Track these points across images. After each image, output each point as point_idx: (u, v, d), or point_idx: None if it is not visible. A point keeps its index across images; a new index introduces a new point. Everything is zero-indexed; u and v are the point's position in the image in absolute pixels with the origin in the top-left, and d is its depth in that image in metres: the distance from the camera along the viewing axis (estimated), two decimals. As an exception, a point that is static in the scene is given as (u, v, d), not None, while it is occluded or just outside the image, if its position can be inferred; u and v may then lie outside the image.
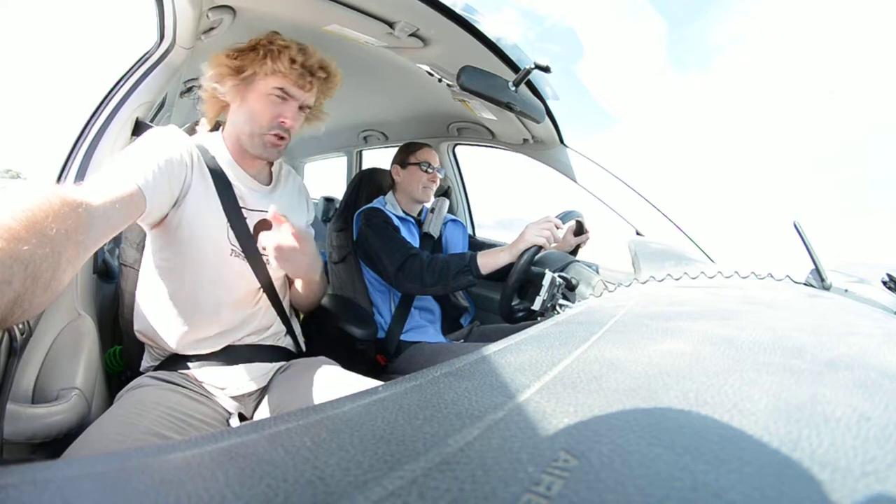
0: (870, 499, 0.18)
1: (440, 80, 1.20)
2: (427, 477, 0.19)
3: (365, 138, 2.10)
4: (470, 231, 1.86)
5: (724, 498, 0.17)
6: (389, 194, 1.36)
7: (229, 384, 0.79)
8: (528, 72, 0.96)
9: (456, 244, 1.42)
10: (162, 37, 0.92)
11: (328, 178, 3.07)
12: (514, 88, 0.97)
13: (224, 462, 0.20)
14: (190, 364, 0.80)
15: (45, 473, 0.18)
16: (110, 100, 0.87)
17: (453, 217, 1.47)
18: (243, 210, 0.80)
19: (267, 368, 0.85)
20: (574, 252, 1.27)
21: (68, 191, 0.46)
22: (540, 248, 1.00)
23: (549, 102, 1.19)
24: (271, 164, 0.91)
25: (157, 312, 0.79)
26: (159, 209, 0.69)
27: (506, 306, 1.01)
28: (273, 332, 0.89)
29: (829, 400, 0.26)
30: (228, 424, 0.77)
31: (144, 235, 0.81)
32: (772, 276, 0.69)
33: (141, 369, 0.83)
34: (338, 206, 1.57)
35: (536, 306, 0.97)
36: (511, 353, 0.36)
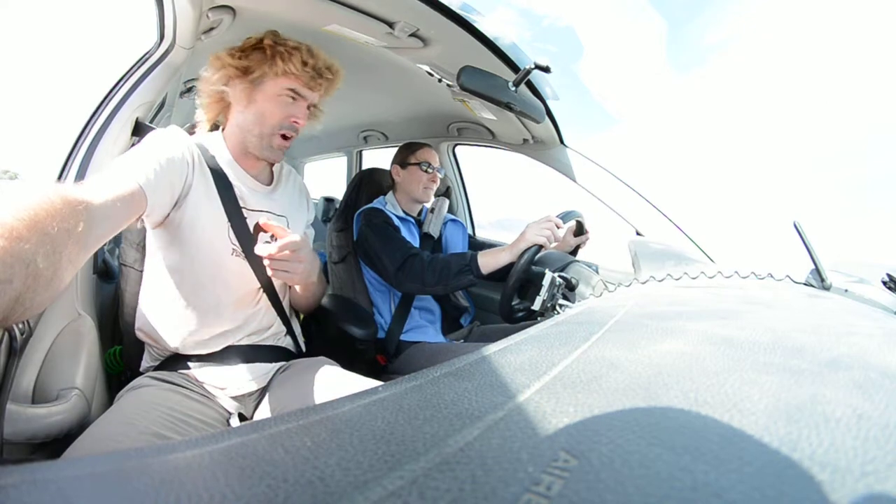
0: (870, 499, 0.18)
1: (440, 80, 1.20)
2: (427, 477, 0.19)
3: (365, 138, 2.10)
4: (470, 231, 1.86)
5: (724, 498, 0.17)
6: (389, 194, 1.36)
7: (229, 384, 0.79)
8: (528, 72, 0.96)
9: (456, 244, 1.42)
10: (162, 37, 0.92)
11: (328, 178, 3.07)
12: (513, 88, 0.97)
13: (224, 462, 0.20)
14: (190, 364, 0.80)
15: (45, 473, 0.18)
16: (110, 100, 0.87)
17: (453, 217, 1.47)
18: (244, 210, 0.80)
19: (267, 368, 0.85)
20: (574, 252, 1.28)
21: (69, 189, 0.46)
22: (540, 247, 1.00)
23: (549, 102, 1.19)
24: (272, 164, 0.91)
25: (157, 312, 0.79)
26: (160, 208, 0.69)
27: (506, 306, 1.01)
28: (273, 332, 0.89)
29: (829, 400, 0.26)
30: (228, 424, 0.77)
31: (144, 235, 0.82)
32: (772, 276, 0.69)
33: (141, 369, 0.83)
34: (338, 206, 1.57)
35: (536, 306, 0.97)
36: (511, 353, 0.36)
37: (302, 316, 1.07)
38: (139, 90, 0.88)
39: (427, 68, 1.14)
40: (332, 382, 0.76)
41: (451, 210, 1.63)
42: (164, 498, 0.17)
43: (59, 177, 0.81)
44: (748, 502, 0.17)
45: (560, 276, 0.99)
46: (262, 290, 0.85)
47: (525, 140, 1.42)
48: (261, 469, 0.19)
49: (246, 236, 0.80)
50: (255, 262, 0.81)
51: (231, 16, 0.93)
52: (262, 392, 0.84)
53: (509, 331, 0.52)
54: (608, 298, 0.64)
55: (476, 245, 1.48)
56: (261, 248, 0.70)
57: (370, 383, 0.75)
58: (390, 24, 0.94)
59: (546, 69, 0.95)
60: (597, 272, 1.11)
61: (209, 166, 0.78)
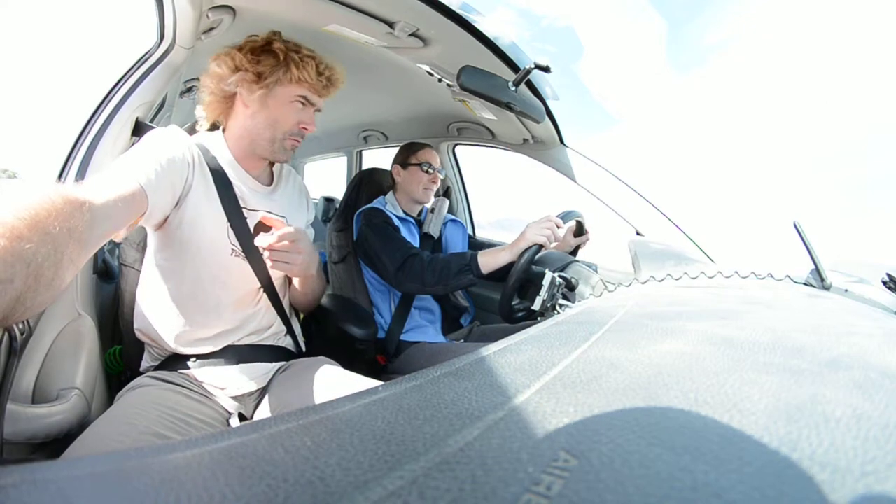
0: (870, 499, 0.18)
1: (440, 80, 1.20)
2: (427, 477, 0.19)
3: (365, 138, 2.10)
4: (470, 231, 1.86)
5: (724, 498, 0.17)
6: (390, 194, 1.36)
7: (229, 384, 0.79)
8: (528, 72, 0.96)
9: (456, 244, 1.42)
10: (162, 37, 0.92)
11: (328, 178, 3.07)
12: (513, 88, 0.97)
13: (224, 462, 0.20)
14: (190, 364, 0.80)
15: (45, 473, 0.18)
16: (110, 100, 0.87)
17: (453, 217, 1.47)
18: (244, 210, 0.80)
19: (267, 368, 0.85)
20: (574, 253, 1.28)
21: (71, 189, 0.46)
22: (540, 247, 1.00)
23: (549, 102, 1.19)
24: (272, 164, 0.91)
25: (157, 312, 0.79)
26: (161, 208, 0.69)
27: (506, 306, 1.01)
28: (273, 331, 0.89)
29: (829, 400, 0.26)
30: (228, 424, 0.77)
31: (145, 235, 0.81)
32: (772, 276, 0.69)
33: (141, 369, 0.83)
34: (338, 206, 1.57)
35: (536, 306, 0.97)
36: (511, 353, 0.36)
37: (302, 316, 1.07)
38: (139, 90, 0.88)
39: (427, 68, 1.14)
40: (332, 382, 0.76)
41: (451, 210, 1.63)
42: (164, 498, 0.17)
43: (60, 176, 0.81)
44: (748, 502, 0.17)
45: (560, 276, 0.99)
46: (262, 289, 0.85)
47: (525, 140, 1.42)
48: (261, 469, 0.19)
49: (246, 236, 0.80)
50: (255, 262, 0.81)
51: (231, 16, 0.93)
52: (262, 392, 0.84)
53: (509, 331, 0.52)
54: (608, 298, 0.64)
55: (476, 245, 1.48)
56: (260, 240, 0.71)
57: (370, 383, 0.75)
58: (390, 24, 0.94)
59: (546, 69, 0.95)
60: (596, 272, 1.11)
61: (209, 166, 0.78)
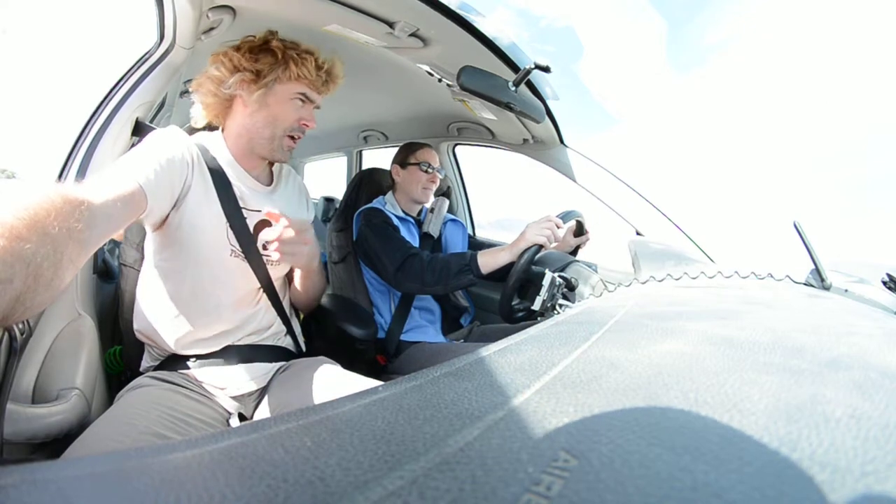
0: (870, 499, 0.18)
1: (440, 80, 1.20)
2: (427, 477, 0.19)
3: (365, 138, 2.10)
4: (470, 231, 1.86)
5: (724, 498, 0.17)
6: (389, 194, 1.36)
7: (229, 384, 0.79)
8: (528, 72, 0.96)
9: (456, 244, 1.42)
10: (162, 37, 0.92)
11: (328, 178, 3.07)
12: (513, 88, 0.97)
13: (224, 462, 0.20)
14: (190, 364, 0.80)
15: (45, 473, 0.18)
16: (110, 100, 0.87)
17: (453, 217, 1.47)
18: (243, 210, 0.80)
19: (267, 368, 0.85)
20: (574, 253, 1.28)
21: (70, 189, 0.46)
22: (540, 247, 1.00)
23: (549, 102, 1.19)
24: (272, 163, 0.91)
25: (157, 312, 0.79)
26: (160, 208, 0.69)
27: (506, 306, 1.01)
28: (273, 332, 0.89)
29: (829, 400, 0.26)
30: (228, 424, 0.77)
31: (144, 235, 0.81)
32: (772, 276, 0.69)
33: (141, 369, 0.83)
34: (338, 206, 1.57)
35: (536, 306, 0.97)
36: (511, 353, 0.36)
37: (302, 316, 1.07)
38: (139, 90, 0.88)
39: (427, 68, 1.14)
40: (332, 382, 0.76)
41: (451, 210, 1.63)
42: (164, 498, 0.17)
43: (60, 176, 0.81)
44: (748, 502, 0.17)
45: (560, 276, 0.99)
46: (261, 290, 0.85)
47: (525, 140, 1.42)
48: (261, 469, 0.19)
49: (245, 237, 0.80)
50: (255, 262, 0.81)
51: (231, 16, 0.93)
52: (262, 392, 0.84)
53: (509, 331, 0.52)
54: (608, 298, 0.64)
55: (476, 245, 1.48)
56: (268, 233, 0.72)
57: (370, 383, 0.75)
58: (390, 24, 0.94)
59: (546, 69, 0.95)
60: (596, 272, 1.11)
61: (209, 166, 0.78)
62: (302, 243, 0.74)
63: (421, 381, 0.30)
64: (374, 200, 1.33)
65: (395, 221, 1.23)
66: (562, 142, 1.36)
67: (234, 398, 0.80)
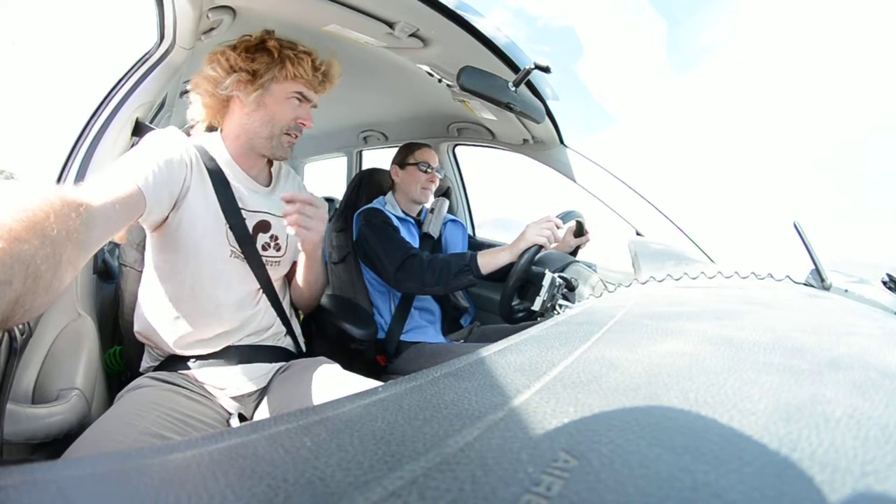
0: (870, 499, 0.17)
1: (440, 81, 1.20)
2: (427, 477, 0.19)
3: (365, 138, 2.10)
4: (470, 231, 1.86)
5: (724, 498, 0.17)
6: (389, 195, 1.36)
7: (229, 384, 0.79)
8: (528, 72, 0.96)
9: (456, 244, 1.42)
10: (162, 37, 0.92)
11: (328, 178, 3.07)
12: (513, 89, 0.97)
13: (224, 462, 0.20)
14: (190, 364, 0.80)
15: (45, 473, 0.18)
16: (110, 100, 0.87)
17: (453, 217, 1.47)
18: (242, 211, 0.80)
19: (267, 369, 0.85)
20: (574, 253, 1.28)
21: (69, 191, 0.46)
22: (540, 247, 1.00)
23: (549, 102, 1.19)
24: (271, 164, 0.91)
25: (157, 313, 0.79)
26: (159, 209, 0.69)
27: (506, 306, 1.01)
28: (273, 332, 0.89)
29: (829, 400, 0.26)
30: (228, 425, 0.77)
31: (145, 236, 0.81)
32: (772, 276, 0.69)
33: (141, 370, 0.83)
34: (338, 206, 1.57)
35: (536, 306, 0.97)
36: (511, 353, 0.36)
37: (302, 316, 1.07)
38: (139, 90, 0.88)
39: (427, 68, 1.14)
40: (332, 383, 0.76)
41: (450, 210, 1.63)
42: (164, 498, 0.17)
43: (59, 177, 0.81)
44: (748, 502, 0.17)
45: (560, 277, 0.99)
46: (261, 290, 0.85)
47: (525, 140, 1.42)
48: (261, 469, 0.19)
49: (245, 238, 0.80)
50: (254, 263, 0.81)
51: (231, 16, 0.93)
52: (262, 392, 0.84)
53: (509, 331, 0.52)
54: (608, 299, 0.64)
55: (476, 245, 1.48)
56: (288, 206, 0.74)
57: (370, 383, 0.75)
58: (390, 25, 0.94)
59: (546, 69, 0.95)
60: (596, 272, 1.11)
61: (207, 168, 0.78)
62: (318, 219, 0.76)
63: (421, 382, 0.30)
64: (374, 201, 1.33)
65: (395, 222, 1.23)
66: (562, 142, 1.36)
67: (234, 398, 0.80)
